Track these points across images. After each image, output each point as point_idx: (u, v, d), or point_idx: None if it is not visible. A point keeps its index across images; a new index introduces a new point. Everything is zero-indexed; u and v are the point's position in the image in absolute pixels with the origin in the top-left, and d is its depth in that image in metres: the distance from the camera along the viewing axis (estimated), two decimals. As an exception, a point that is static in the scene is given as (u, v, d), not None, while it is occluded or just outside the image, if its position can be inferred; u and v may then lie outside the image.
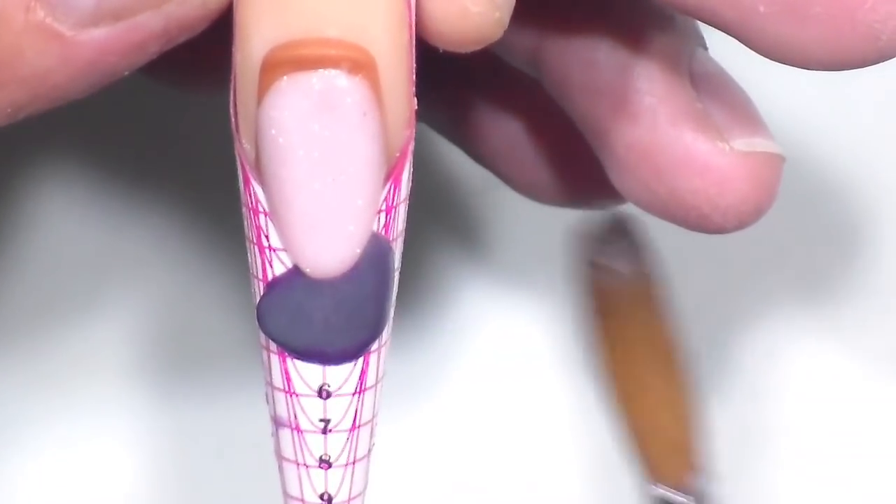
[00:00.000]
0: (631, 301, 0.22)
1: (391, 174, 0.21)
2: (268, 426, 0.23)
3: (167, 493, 0.36)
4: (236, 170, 0.22)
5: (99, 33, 0.21)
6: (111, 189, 0.36)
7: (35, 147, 0.36)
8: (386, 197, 0.22)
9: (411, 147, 0.22)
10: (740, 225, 0.25)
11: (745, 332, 0.37)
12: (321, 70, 0.20)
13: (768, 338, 0.37)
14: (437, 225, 0.34)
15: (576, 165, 0.29)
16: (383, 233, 0.22)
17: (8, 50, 0.21)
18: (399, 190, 0.22)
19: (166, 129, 0.36)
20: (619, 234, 0.22)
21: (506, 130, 0.30)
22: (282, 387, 0.22)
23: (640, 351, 0.23)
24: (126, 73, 0.22)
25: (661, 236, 0.34)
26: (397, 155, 0.22)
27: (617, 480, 0.37)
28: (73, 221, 0.36)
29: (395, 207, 0.22)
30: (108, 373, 0.36)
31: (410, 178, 0.22)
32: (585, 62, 0.26)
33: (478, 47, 0.22)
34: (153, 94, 0.34)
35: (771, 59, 0.23)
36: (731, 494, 0.37)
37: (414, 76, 0.21)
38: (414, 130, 0.22)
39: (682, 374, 0.24)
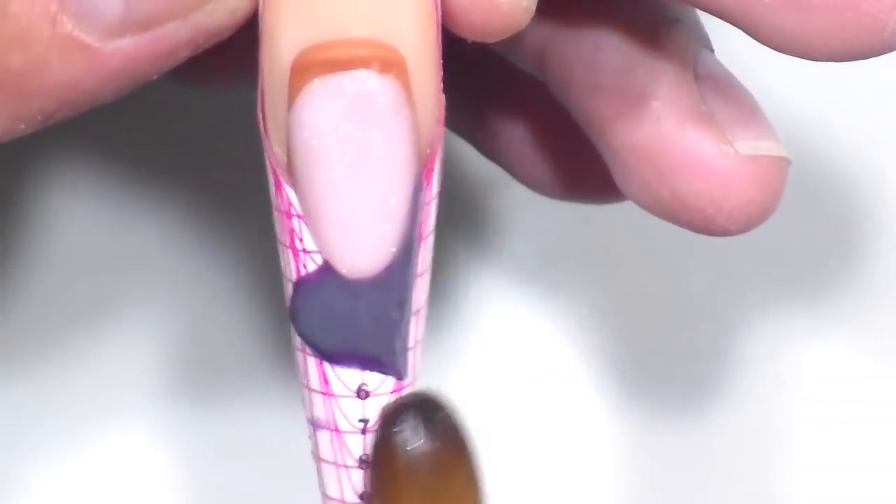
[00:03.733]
0: (416, 477, 0.22)
1: (423, 171, 0.22)
2: (291, 428, 0.23)
3: (185, 496, 0.36)
4: (265, 173, 0.22)
5: (126, 43, 0.21)
6: (128, 191, 0.36)
7: (50, 148, 0.35)
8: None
9: (441, 143, 0.22)
10: (745, 228, 0.25)
11: (745, 332, 0.38)
12: (352, 71, 0.20)
13: (768, 338, 0.38)
14: (448, 221, 0.34)
15: (582, 163, 0.29)
16: (417, 231, 0.22)
17: (36, 61, 0.21)
18: (430, 187, 0.22)
19: (185, 129, 0.36)
20: (409, 412, 0.21)
21: (515, 130, 0.30)
22: (319, 388, 0.22)
23: None
24: (155, 77, 0.22)
25: (662, 236, 0.35)
26: (428, 152, 0.22)
27: (626, 476, 0.37)
28: (91, 224, 0.36)
29: (428, 204, 0.22)
30: (127, 377, 0.36)
31: (441, 175, 0.22)
32: (589, 64, 0.26)
33: (506, 36, 0.22)
34: (174, 94, 0.33)
35: (775, 49, 0.23)
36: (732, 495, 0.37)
37: (441, 72, 0.21)
38: (444, 127, 0.22)
39: None
